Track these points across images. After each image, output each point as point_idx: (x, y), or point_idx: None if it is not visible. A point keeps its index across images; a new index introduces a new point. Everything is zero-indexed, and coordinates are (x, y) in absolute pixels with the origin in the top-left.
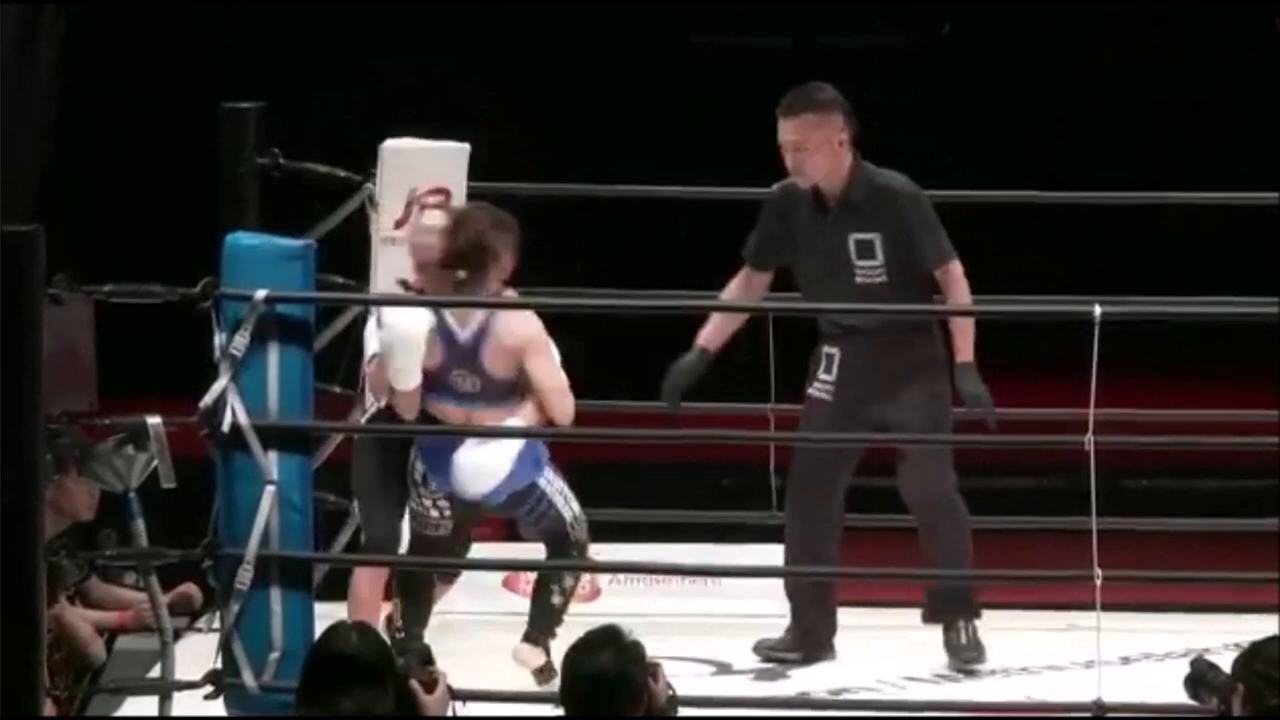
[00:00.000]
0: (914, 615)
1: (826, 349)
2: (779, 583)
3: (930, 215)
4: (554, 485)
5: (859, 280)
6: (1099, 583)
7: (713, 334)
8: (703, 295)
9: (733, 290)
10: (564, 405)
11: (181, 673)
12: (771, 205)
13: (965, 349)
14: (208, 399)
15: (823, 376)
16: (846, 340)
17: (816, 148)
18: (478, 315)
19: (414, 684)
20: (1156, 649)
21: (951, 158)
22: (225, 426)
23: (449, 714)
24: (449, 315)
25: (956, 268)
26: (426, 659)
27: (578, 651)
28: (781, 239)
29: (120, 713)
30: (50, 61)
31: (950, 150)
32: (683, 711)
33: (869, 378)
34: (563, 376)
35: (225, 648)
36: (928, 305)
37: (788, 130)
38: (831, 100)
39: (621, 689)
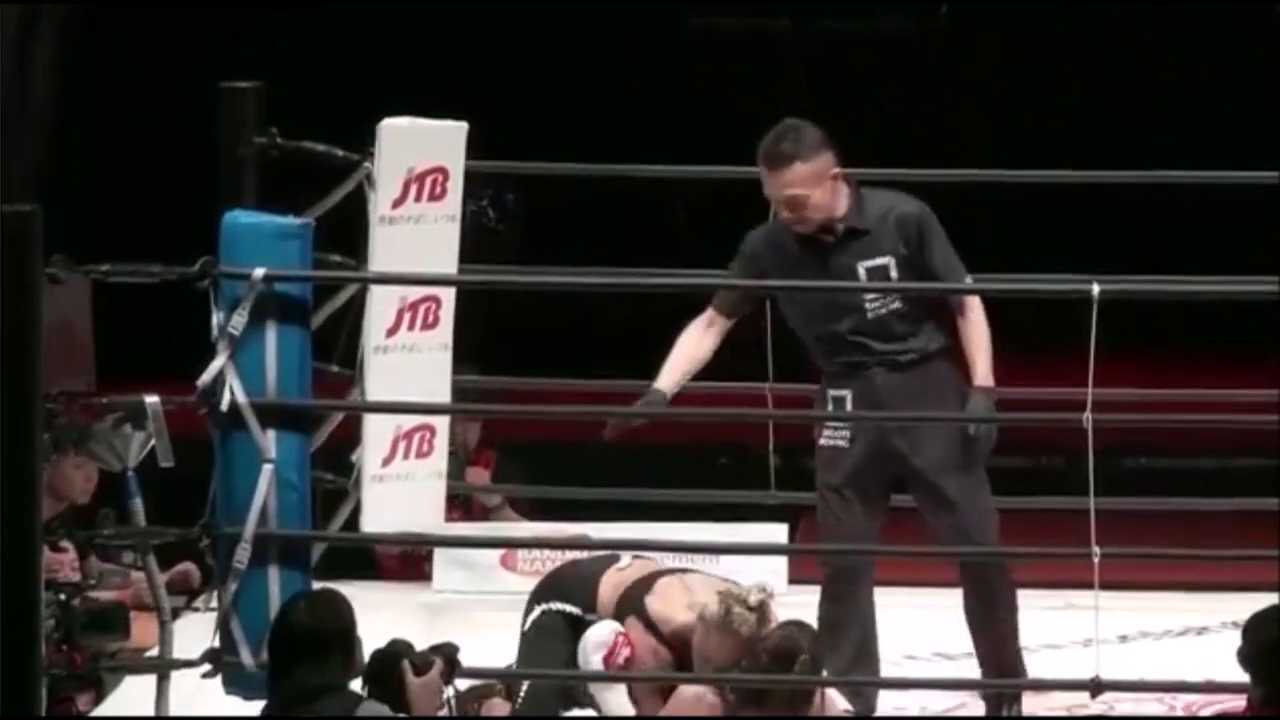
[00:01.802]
0: (913, 594)
1: (833, 392)
2: (777, 561)
3: (944, 236)
4: None
5: (870, 314)
6: (1097, 561)
7: (670, 378)
8: (700, 275)
9: (693, 332)
10: None
11: (180, 652)
12: (748, 253)
13: (985, 370)
14: (206, 378)
15: (832, 425)
16: (858, 380)
17: (816, 194)
18: None
19: (404, 665)
20: (1154, 628)
21: (949, 139)
22: (223, 405)
23: (440, 700)
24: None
25: (971, 296)
26: (450, 658)
27: None
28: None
29: (119, 691)
30: (50, 44)
31: (948, 132)
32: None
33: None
34: None
35: (223, 627)
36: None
37: (780, 185)
38: (815, 141)
39: None
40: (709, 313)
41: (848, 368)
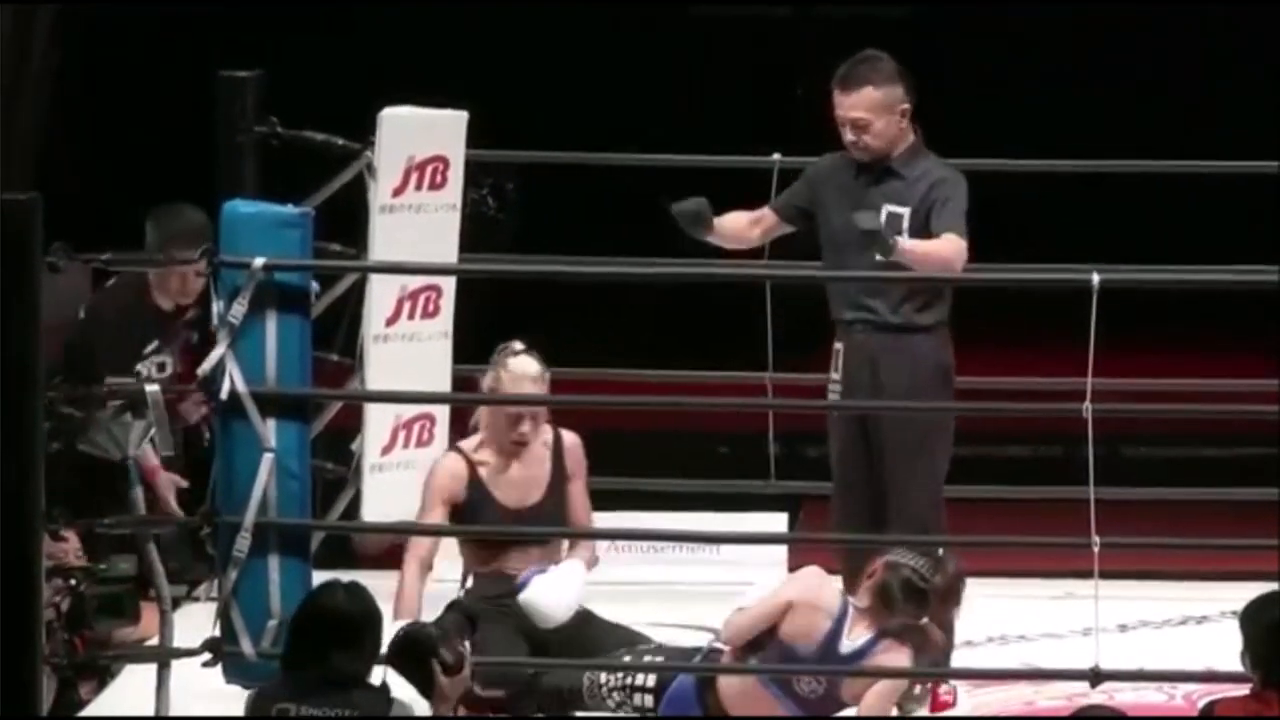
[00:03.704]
0: None
1: (835, 344)
2: (777, 550)
3: (961, 200)
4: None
5: (879, 258)
6: (1097, 550)
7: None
8: (701, 264)
9: (739, 216)
10: None
11: (180, 640)
12: (810, 174)
13: (912, 243)
14: (206, 367)
15: (832, 376)
16: (849, 335)
17: (880, 124)
18: (871, 630)
19: (434, 664)
20: (1154, 617)
21: (950, 127)
22: (223, 394)
23: (463, 691)
24: (849, 618)
25: (958, 240)
26: (469, 614)
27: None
28: (810, 204)
29: (119, 679)
30: (49, 33)
31: (948, 120)
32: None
33: (868, 380)
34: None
35: (223, 616)
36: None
37: (849, 106)
38: (892, 72)
39: None
40: (764, 209)
41: (846, 319)
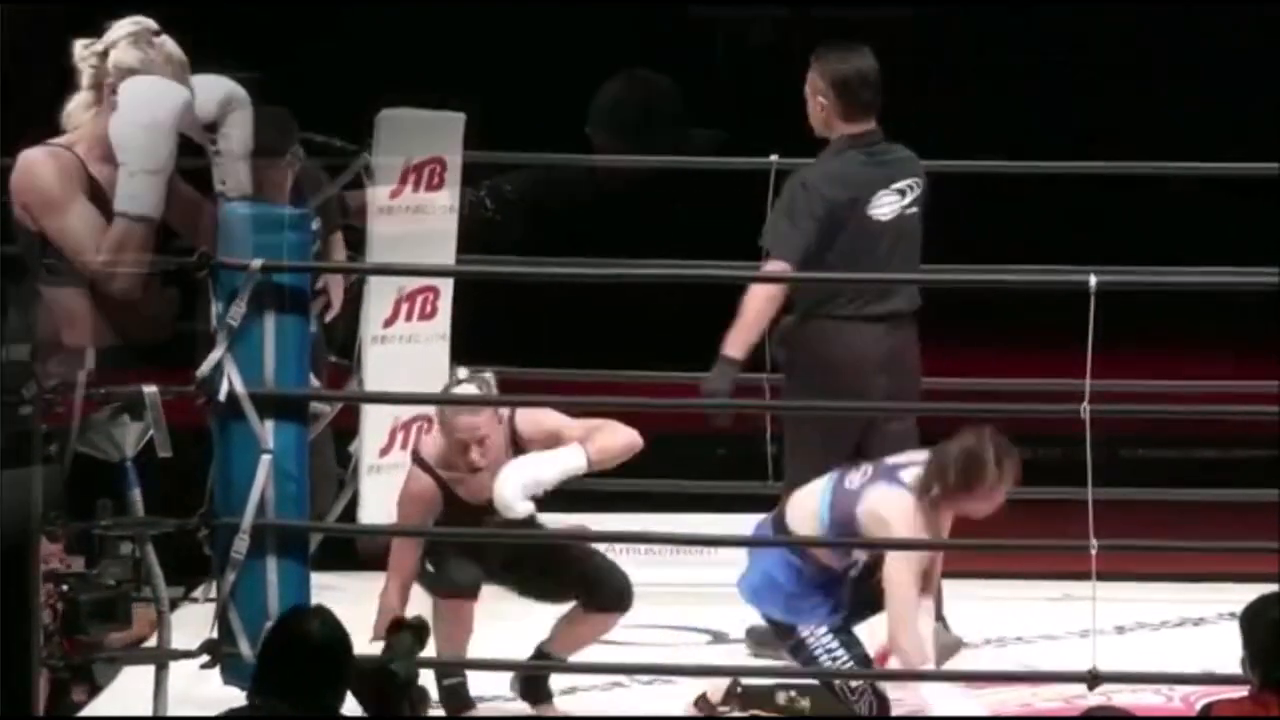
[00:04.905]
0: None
1: None
2: None
3: (792, 205)
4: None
5: None
6: (1094, 552)
7: None
8: (697, 265)
9: None
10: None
11: (178, 642)
12: None
13: (731, 340)
14: (204, 368)
15: None
16: None
17: (811, 102)
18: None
19: (404, 704)
20: (1152, 619)
21: (950, 127)
22: (221, 396)
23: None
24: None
25: (772, 265)
26: (418, 631)
27: None
28: None
29: (117, 682)
30: (47, 31)
31: (946, 122)
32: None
33: None
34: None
35: (221, 617)
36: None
37: None
38: (833, 66)
39: None
40: None
41: None
